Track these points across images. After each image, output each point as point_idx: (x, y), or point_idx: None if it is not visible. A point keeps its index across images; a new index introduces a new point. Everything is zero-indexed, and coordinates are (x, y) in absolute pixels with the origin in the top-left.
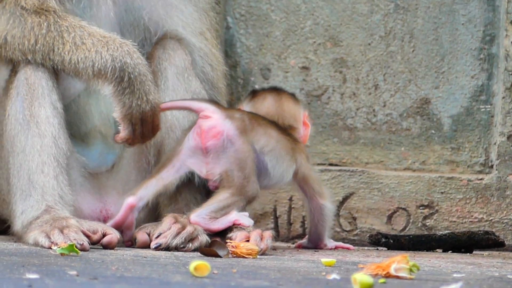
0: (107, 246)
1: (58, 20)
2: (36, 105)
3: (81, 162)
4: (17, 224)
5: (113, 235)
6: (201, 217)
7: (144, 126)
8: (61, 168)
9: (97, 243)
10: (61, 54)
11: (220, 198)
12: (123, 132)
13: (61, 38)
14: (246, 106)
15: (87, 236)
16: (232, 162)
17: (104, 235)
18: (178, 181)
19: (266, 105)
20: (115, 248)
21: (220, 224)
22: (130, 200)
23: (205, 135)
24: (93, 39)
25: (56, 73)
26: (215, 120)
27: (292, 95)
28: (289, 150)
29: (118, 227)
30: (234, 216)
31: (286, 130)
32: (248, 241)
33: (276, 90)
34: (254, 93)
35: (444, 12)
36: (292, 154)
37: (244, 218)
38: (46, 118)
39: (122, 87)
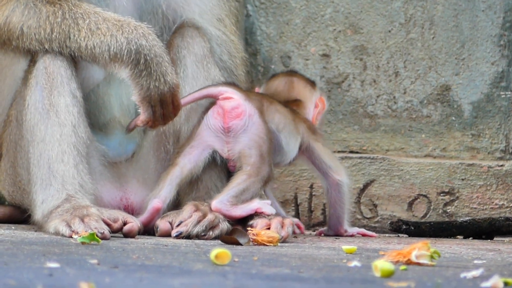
0: (127, 235)
1: (73, 7)
2: (56, 94)
3: (100, 150)
4: (38, 214)
5: (134, 224)
6: (223, 203)
7: (164, 108)
8: (81, 157)
9: (117, 232)
10: (77, 41)
11: (238, 181)
12: (143, 114)
13: (76, 25)
14: (261, 88)
15: (108, 225)
16: (251, 141)
17: (124, 224)
18: (203, 163)
19: (277, 83)
20: (136, 237)
21: (242, 211)
22: (155, 203)
23: (228, 115)
24: (108, 24)
25: (75, 61)
26: (237, 101)
27: (307, 78)
28: (291, 121)
29: (144, 227)
30: (256, 204)
31: (287, 104)
32: (269, 228)
33: (291, 72)
34: (272, 76)
35: None
36: (294, 125)
37: (266, 207)
38: (66, 107)
39: (139, 70)
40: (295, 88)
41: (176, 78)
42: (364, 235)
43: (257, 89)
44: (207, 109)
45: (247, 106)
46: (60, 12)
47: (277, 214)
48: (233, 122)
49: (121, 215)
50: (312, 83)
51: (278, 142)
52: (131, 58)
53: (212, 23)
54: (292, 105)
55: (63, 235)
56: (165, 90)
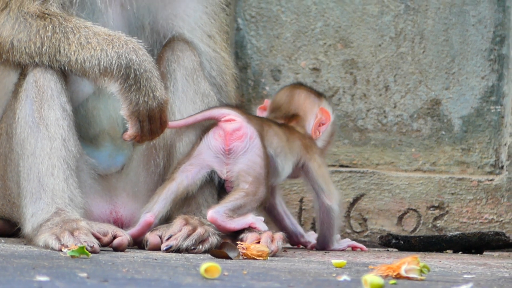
0: (117, 248)
1: (63, 22)
2: (46, 108)
3: (90, 164)
4: (27, 227)
5: (124, 237)
6: (219, 214)
7: (151, 123)
8: (71, 170)
9: (107, 245)
10: (67, 55)
11: (236, 197)
12: (131, 129)
13: (66, 39)
14: (269, 100)
15: (98, 238)
16: (250, 162)
17: (114, 237)
18: (200, 182)
19: (279, 95)
20: (126, 250)
21: (236, 224)
22: (147, 217)
23: (229, 137)
24: (98, 38)
25: (65, 75)
26: (239, 123)
27: (311, 90)
28: (286, 143)
29: (134, 240)
30: (251, 219)
31: (287, 119)
32: (258, 242)
33: (296, 84)
34: (280, 89)
35: (454, 13)
36: (289, 146)
37: (259, 223)
38: (56, 121)
39: (128, 84)
40: (295, 101)
41: (165, 94)
42: (354, 247)
43: (266, 101)
44: (207, 128)
45: (249, 129)
46: (50, 27)
47: (267, 229)
48: (234, 144)
49: (111, 229)
50: (317, 94)
51: (275, 166)
52: (121, 73)
53: (202, 39)
54: (292, 119)
55: (52, 249)
56: (154, 106)
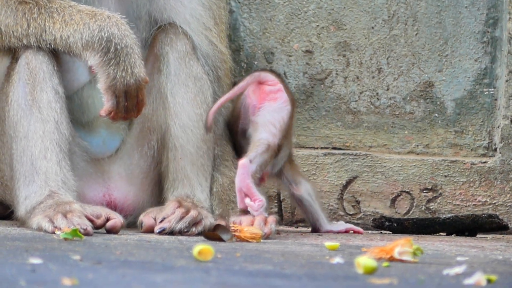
0: (110, 231)
1: (47, 3)
2: (38, 90)
3: (83, 147)
4: (21, 210)
5: (117, 220)
6: (251, 170)
7: (128, 100)
8: (64, 153)
9: (100, 228)
10: (52, 33)
11: (261, 149)
12: (106, 104)
13: (51, 18)
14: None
15: (91, 221)
16: (279, 118)
17: (107, 220)
18: None
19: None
20: (119, 233)
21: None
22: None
23: (264, 95)
24: (82, 14)
25: (58, 58)
26: (278, 86)
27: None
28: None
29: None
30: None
31: None
32: (252, 225)
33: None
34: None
35: None
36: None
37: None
38: (48, 103)
39: (108, 58)
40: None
41: (144, 72)
42: (352, 230)
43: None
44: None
45: (284, 94)
46: (36, 9)
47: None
48: (267, 103)
49: (104, 211)
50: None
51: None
52: (102, 46)
53: (197, 31)
54: None
55: (45, 231)
56: (131, 82)
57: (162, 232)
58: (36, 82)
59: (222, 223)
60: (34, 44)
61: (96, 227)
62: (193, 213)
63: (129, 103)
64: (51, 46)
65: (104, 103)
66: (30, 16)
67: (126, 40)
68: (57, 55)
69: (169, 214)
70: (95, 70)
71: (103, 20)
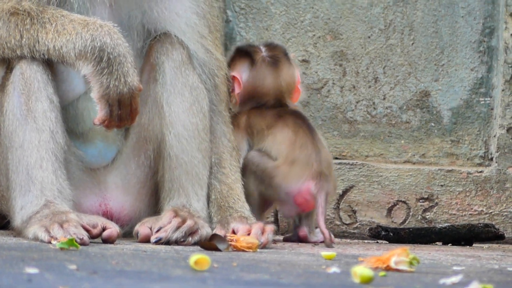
0: (107, 240)
1: (40, 14)
2: (33, 100)
3: (78, 156)
4: (17, 220)
5: (113, 229)
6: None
7: (121, 108)
8: (59, 162)
9: (97, 237)
10: (46, 43)
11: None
12: (100, 113)
13: (44, 28)
14: (245, 73)
15: (87, 230)
16: None
17: (104, 229)
18: None
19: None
20: (115, 243)
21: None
22: None
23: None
24: (74, 24)
25: (52, 69)
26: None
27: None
28: None
29: None
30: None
31: None
32: (249, 234)
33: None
34: (252, 60)
35: (443, 5)
36: None
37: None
38: (43, 113)
39: (101, 67)
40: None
41: (137, 81)
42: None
43: (237, 75)
44: None
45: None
46: (28, 19)
47: (258, 221)
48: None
49: (100, 221)
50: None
51: None
52: (95, 55)
53: (193, 39)
54: None
55: (42, 241)
56: (124, 91)
57: (158, 242)
58: (31, 92)
59: (222, 231)
60: (28, 55)
61: (92, 237)
62: (189, 222)
63: (123, 111)
64: (45, 56)
65: (98, 112)
66: (23, 27)
67: (119, 49)
68: (51, 65)
69: (165, 224)
70: (89, 79)
71: (95, 29)
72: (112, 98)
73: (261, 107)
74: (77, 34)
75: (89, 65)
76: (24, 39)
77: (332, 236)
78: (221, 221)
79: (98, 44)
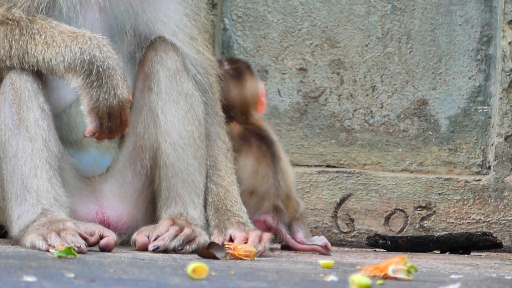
0: (104, 249)
1: (29, 24)
2: (24, 109)
3: (73, 164)
4: (14, 229)
5: (110, 237)
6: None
7: (111, 121)
8: (54, 170)
9: (94, 245)
10: (35, 55)
11: None
12: (90, 125)
13: (33, 40)
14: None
15: (84, 239)
16: None
17: (101, 237)
18: None
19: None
20: (113, 251)
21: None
22: None
23: None
24: (63, 36)
25: (42, 77)
26: None
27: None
28: None
29: None
30: None
31: None
32: (246, 242)
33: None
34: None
35: (441, 13)
36: None
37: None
38: (35, 121)
39: (90, 80)
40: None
41: (127, 93)
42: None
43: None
44: None
45: None
46: (17, 30)
47: (255, 228)
48: None
49: (98, 229)
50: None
51: None
52: (84, 68)
53: (185, 41)
54: None
55: (39, 249)
56: (114, 104)
57: (156, 250)
58: (22, 102)
59: (219, 238)
60: (17, 66)
61: (90, 245)
62: (187, 231)
63: (113, 123)
64: (34, 67)
65: (88, 124)
66: (12, 37)
67: (108, 62)
68: (41, 74)
69: (163, 232)
70: (78, 92)
71: (84, 42)
72: (102, 111)
73: (229, 122)
74: (66, 47)
75: (78, 78)
76: (13, 50)
77: (329, 244)
78: (219, 225)
79: (87, 57)
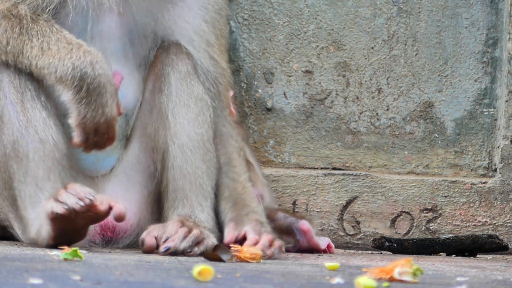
0: (118, 219)
1: (30, 24)
2: (29, 108)
3: (76, 162)
4: (31, 231)
5: (121, 205)
6: None
7: (97, 136)
8: (66, 171)
9: (104, 216)
10: (29, 58)
11: None
12: (77, 138)
13: (30, 42)
14: None
15: (94, 206)
16: None
17: (110, 208)
18: None
19: None
20: (119, 253)
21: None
22: None
23: None
24: (59, 45)
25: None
26: None
27: None
28: None
29: None
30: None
31: None
32: (255, 244)
33: None
34: None
35: (447, 16)
36: None
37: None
38: (43, 122)
39: (80, 96)
40: None
41: (115, 111)
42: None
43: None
44: None
45: None
46: (18, 28)
47: (271, 231)
48: None
49: (105, 197)
50: None
51: None
52: (74, 84)
53: (200, 47)
54: None
55: (57, 213)
56: (101, 121)
57: (167, 251)
58: (25, 101)
59: (234, 232)
60: (12, 63)
61: (100, 214)
62: (195, 232)
63: (99, 139)
64: (27, 70)
65: (75, 137)
66: (11, 34)
67: (99, 80)
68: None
69: (172, 233)
70: (67, 106)
71: (78, 58)
72: (89, 127)
73: None
74: (60, 59)
75: (68, 92)
76: (9, 47)
77: (332, 245)
78: (236, 219)
79: (79, 74)
